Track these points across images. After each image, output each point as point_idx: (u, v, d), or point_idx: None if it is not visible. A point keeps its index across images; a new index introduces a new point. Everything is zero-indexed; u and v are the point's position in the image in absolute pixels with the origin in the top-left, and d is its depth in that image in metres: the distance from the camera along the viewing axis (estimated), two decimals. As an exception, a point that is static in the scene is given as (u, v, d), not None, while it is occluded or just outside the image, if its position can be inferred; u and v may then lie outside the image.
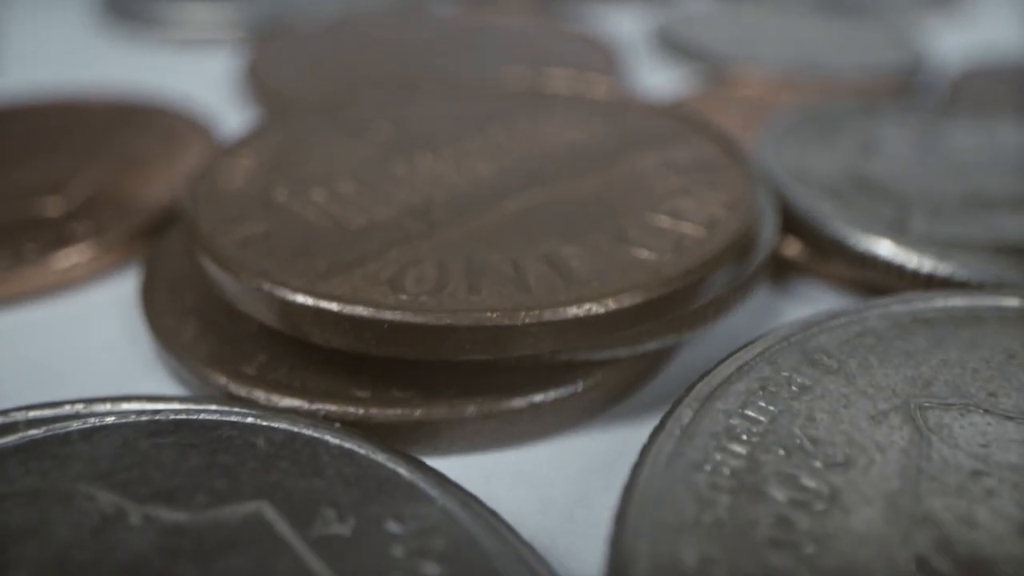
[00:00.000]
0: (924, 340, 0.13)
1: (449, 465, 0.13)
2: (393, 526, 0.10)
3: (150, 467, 0.11)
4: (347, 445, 0.12)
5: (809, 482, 0.11)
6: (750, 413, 0.12)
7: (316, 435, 0.12)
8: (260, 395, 0.14)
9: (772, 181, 0.18)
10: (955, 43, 0.32)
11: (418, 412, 0.13)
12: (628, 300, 0.13)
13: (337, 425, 0.12)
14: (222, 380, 0.14)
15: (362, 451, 0.11)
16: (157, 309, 0.16)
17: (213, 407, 0.13)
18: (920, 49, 0.29)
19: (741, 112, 0.24)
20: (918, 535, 0.10)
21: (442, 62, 0.28)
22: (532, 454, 0.14)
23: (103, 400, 0.13)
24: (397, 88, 0.21)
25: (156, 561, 0.10)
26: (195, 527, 0.10)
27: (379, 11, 0.34)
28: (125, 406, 0.13)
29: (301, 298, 0.13)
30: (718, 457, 0.11)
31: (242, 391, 0.14)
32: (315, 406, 0.13)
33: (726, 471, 0.11)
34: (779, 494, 0.11)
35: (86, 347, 0.16)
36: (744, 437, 0.11)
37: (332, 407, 0.13)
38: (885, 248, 0.16)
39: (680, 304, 0.14)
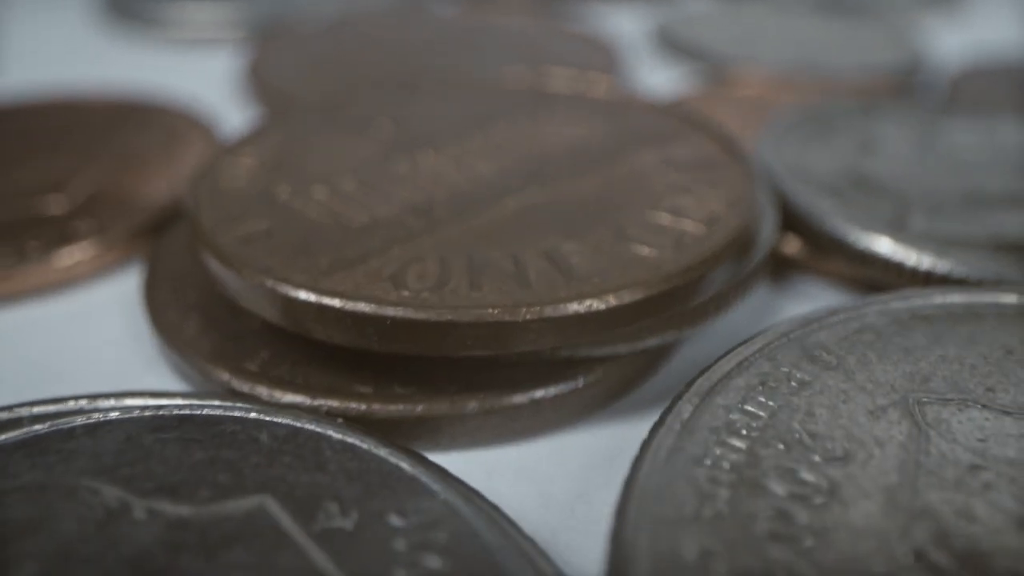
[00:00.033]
0: (923, 336, 0.13)
1: (451, 461, 0.13)
2: (395, 520, 0.11)
3: (154, 462, 0.11)
4: (350, 440, 0.12)
5: (808, 476, 0.11)
6: (750, 408, 0.12)
7: (319, 430, 0.12)
8: (263, 391, 0.14)
9: (772, 179, 0.18)
10: (954, 43, 0.32)
11: (420, 408, 0.13)
12: (628, 296, 0.13)
13: (340, 421, 0.13)
14: (225, 376, 0.14)
15: (365, 446, 0.12)
16: (160, 306, 0.16)
17: (216, 402, 0.13)
18: (919, 49, 0.29)
19: (741, 111, 0.24)
20: (916, 528, 0.10)
21: (442, 62, 0.28)
22: (533, 450, 0.14)
23: (107, 396, 0.13)
24: (398, 87, 0.21)
25: (160, 555, 0.10)
26: (199, 521, 0.11)
27: (379, 11, 0.34)
28: (128, 402, 0.13)
29: (304, 294, 0.13)
30: (718, 452, 0.11)
31: (245, 387, 0.14)
32: (317, 402, 0.13)
33: (726, 465, 0.11)
34: (779, 488, 0.11)
35: (89, 344, 0.16)
36: (744, 432, 0.11)
37: (334, 403, 0.13)
38: (884, 245, 0.16)
39: (680, 301, 0.14)
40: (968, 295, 0.14)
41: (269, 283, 0.14)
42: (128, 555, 0.10)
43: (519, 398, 0.14)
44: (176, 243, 0.18)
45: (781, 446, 0.11)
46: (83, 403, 0.13)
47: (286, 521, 0.11)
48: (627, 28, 0.34)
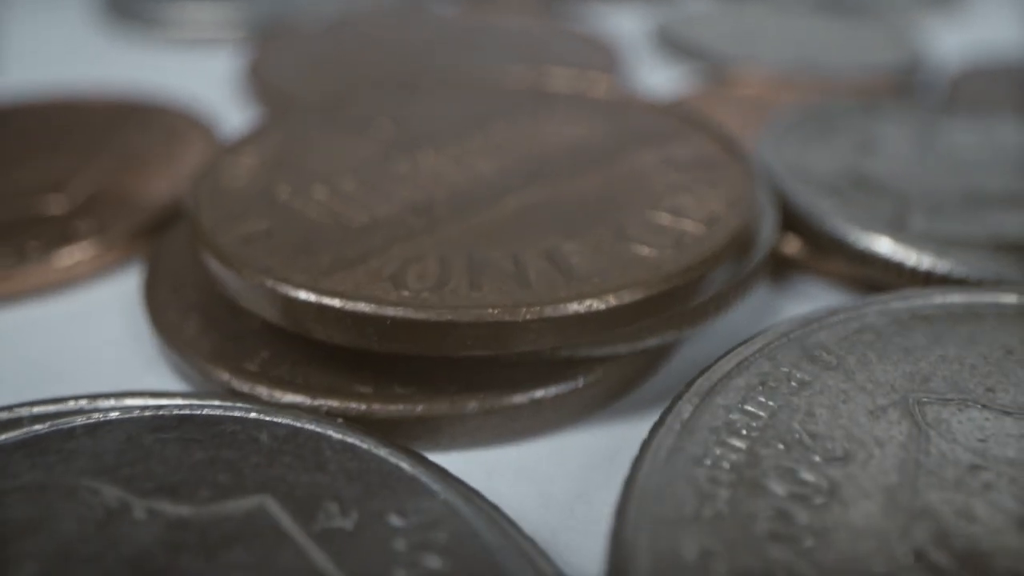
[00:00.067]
0: (923, 336, 0.13)
1: (451, 461, 0.13)
2: (395, 520, 0.11)
3: (154, 462, 0.11)
4: (350, 440, 0.12)
5: (808, 476, 0.11)
6: (750, 408, 0.12)
7: (319, 430, 0.12)
8: (263, 391, 0.14)
9: (772, 179, 0.18)
10: (954, 43, 0.32)
11: (420, 408, 0.13)
12: (628, 296, 0.13)
13: (340, 421, 0.13)
14: (225, 376, 0.14)
15: (365, 446, 0.12)
16: (160, 306, 0.16)
17: (216, 402, 0.13)
18: (919, 49, 0.29)
19: (741, 111, 0.24)
20: (916, 528, 0.10)
21: (442, 62, 0.28)
22: (533, 450, 0.14)
23: (107, 396, 0.13)
24: (398, 87, 0.21)
25: (160, 554, 0.10)
26: (199, 521, 0.11)
27: (380, 11, 0.34)
28: (128, 402, 0.13)
29: (304, 294, 0.13)
30: (718, 451, 0.11)
31: (245, 387, 0.14)
32: (317, 402, 0.13)
33: (726, 465, 0.11)
34: (779, 488, 0.11)
35: (89, 344, 0.16)
36: (744, 432, 0.11)
37: (334, 403, 0.13)
38: (884, 245, 0.16)
39: (680, 300, 0.14)
40: (968, 295, 0.14)
41: (269, 283, 0.14)
42: (128, 555, 0.10)
43: (519, 398, 0.14)
44: (176, 243, 0.18)
45: (781, 446, 0.11)
46: (83, 403, 0.13)
47: (286, 521, 0.11)
48: (627, 28, 0.34)
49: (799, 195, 0.18)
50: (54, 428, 0.12)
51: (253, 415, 0.12)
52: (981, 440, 0.11)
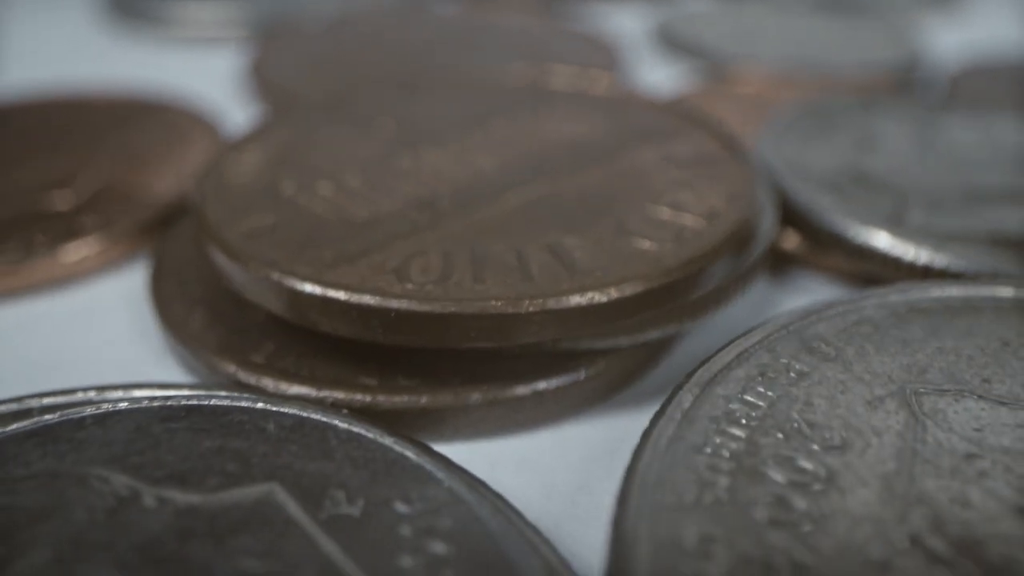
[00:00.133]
0: (920, 329, 0.13)
1: (454, 452, 0.13)
2: (401, 506, 0.11)
3: (163, 451, 0.11)
4: (355, 429, 0.12)
5: (807, 464, 0.11)
6: (749, 398, 0.12)
7: (325, 419, 0.12)
8: (269, 383, 0.14)
9: (772, 175, 0.18)
10: (953, 41, 0.32)
11: (424, 399, 0.14)
12: (630, 289, 0.13)
13: (345, 411, 0.13)
14: (231, 369, 0.14)
15: (370, 435, 0.12)
16: (166, 300, 0.16)
17: (224, 393, 0.13)
18: (919, 47, 0.29)
19: (741, 108, 0.24)
20: (913, 515, 0.10)
21: (443, 61, 0.28)
22: (536, 441, 0.14)
23: (115, 387, 0.13)
24: (399, 86, 0.21)
25: (170, 541, 0.10)
26: (208, 508, 0.11)
27: (381, 10, 0.34)
28: (137, 393, 0.13)
29: (309, 287, 0.13)
30: (718, 440, 0.11)
31: (251, 379, 0.14)
32: (323, 393, 0.14)
33: (726, 454, 0.11)
34: (778, 476, 0.11)
35: (96, 338, 0.16)
36: (743, 421, 0.12)
37: (339, 394, 0.14)
38: (882, 240, 0.16)
39: (681, 294, 0.14)
40: (965, 289, 0.14)
41: (275, 276, 0.14)
42: (138, 542, 0.10)
43: (522, 390, 0.14)
44: (181, 238, 0.18)
45: (780, 435, 0.11)
46: (92, 394, 0.13)
47: (293, 508, 0.11)
48: (628, 26, 0.34)
49: (799, 191, 0.18)
50: (64, 418, 0.12)
51: (260, 405, 0.12)
52: (977, 429, 0.12)
